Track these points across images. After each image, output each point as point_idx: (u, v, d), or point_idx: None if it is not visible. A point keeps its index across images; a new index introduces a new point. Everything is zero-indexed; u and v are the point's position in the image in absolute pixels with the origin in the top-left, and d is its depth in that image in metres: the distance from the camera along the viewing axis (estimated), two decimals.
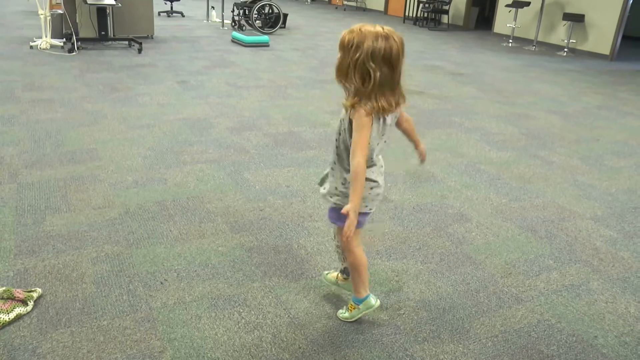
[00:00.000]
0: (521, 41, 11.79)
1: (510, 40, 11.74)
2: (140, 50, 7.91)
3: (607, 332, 2.37)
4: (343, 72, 1.94)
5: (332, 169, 2.15)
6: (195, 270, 2.63)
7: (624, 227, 3.38)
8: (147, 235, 2.93)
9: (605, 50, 10.42)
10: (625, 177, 4.25)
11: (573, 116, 6.00)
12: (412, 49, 10.10)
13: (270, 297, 2.47)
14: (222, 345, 2.14)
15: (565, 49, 10.78)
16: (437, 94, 6.59)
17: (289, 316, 2.34)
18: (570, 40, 10.79)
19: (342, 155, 2.08)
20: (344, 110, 2.01)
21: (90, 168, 3.74)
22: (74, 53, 7.55)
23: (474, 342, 2.25)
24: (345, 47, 1.90)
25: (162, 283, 2.51)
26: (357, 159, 1.92)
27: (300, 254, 2.82)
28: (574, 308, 2.52)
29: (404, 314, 2.40)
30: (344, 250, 2.25)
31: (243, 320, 2.30)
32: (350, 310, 2.33)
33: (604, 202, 3.74)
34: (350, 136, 1.97)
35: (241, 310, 2.36)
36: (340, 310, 2.37)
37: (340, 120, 2.05)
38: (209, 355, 2.09)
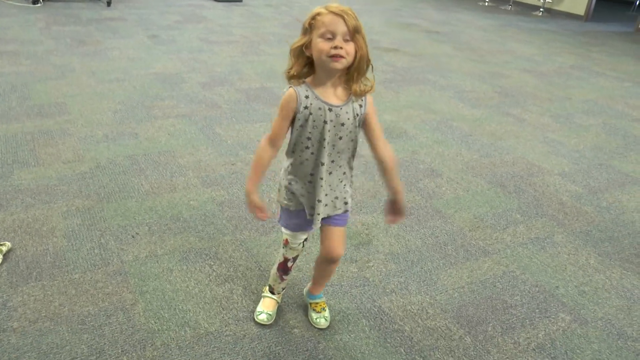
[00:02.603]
0: (498, 0, 11.73)
1: (487, 0, 11.68)
2: (109, 3, 7.67)
3: (568, 282, 2.45)
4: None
5: (344, 174, 1.80)
6: (167, 224, 2.63)
7: (589, 183, 3.46)
8: (118, 189, 2.91)
9: (580, 10, 10.44)
10: (593, 134, 4.33)
11: (546, 75, 6.04)
12: (389, 6, 9.98)
13: (241, 250, 2.49)
14: (193, 298, 2.16)
15: (541, 9, 10.77)
16: (412, 52, 6.56)
17: (259, 269, 2.37)
18: (547, 0, 10.77)
19: (353, 151, 1.78)
20: (355, 105, 1.67)
21: (59, 122, 3.66)
22: (38, 5, 7.29)
23: (441, 293, 2.31)
24: (362, 30, 1.57)
25: (133, 237, 2.51)
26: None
27: (271, 208, 2.83)
28: (538, 260, 2.60)
29: (373, 266, 2.45)
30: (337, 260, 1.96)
31: (214, 273, 2.32)
32: (326, 308, 2.14)
33: (571, 158, 3.82)
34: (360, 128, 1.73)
35: (212, 263, 2.38)
36: (321, 317, 2.10)
37: (355, 116, 1.67)
38: (180, 307, 2.11)
